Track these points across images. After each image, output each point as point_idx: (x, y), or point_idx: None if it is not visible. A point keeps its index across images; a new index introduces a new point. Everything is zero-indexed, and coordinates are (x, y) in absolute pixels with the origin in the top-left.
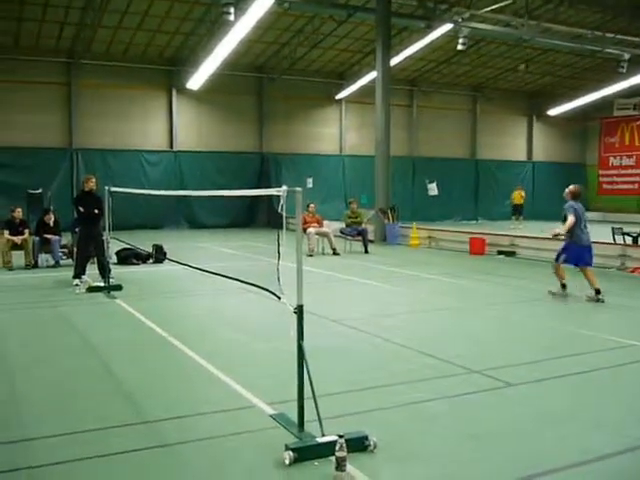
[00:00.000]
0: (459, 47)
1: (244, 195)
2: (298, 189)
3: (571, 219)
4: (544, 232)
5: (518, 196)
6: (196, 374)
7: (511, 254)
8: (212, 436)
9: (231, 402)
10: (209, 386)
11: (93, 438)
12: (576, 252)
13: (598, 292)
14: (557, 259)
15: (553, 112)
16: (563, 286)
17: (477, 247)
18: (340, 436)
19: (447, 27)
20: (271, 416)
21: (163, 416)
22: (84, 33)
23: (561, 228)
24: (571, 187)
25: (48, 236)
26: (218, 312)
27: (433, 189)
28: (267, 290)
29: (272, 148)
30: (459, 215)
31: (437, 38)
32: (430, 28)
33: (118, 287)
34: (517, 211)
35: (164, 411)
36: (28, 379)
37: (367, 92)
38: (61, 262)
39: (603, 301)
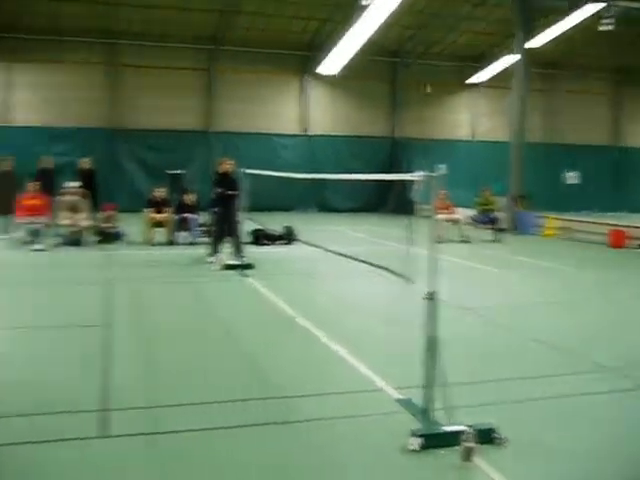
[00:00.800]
0: (603, 27)
1: (374, 180)
2: (436, 174)
3: None
4: None
5: None
6: (323, 354)
7: None
8: (337, 416)
9: (357, 384)
10: (336, 367)
11: (220, 410)
12: None
13: None
14: None
15: None
16: None
17: (616, 239)
18: (469, 426)
19: (595, 7)
20: (397, 401)
21: (289, 393)
22: (224, 20)
23: None
24: None
25: (187, 215)
26: (346, 294)
27: (572, 177)
28: (398, 274)
29: (404, 133)
30: (598, 205)
31: (581, 19)
32: (574, 8)
33: (250, 266)
34: None
35: (291, 388)
36: (168, 349)
37: (502, 76)
38: (198, 240)
39: None
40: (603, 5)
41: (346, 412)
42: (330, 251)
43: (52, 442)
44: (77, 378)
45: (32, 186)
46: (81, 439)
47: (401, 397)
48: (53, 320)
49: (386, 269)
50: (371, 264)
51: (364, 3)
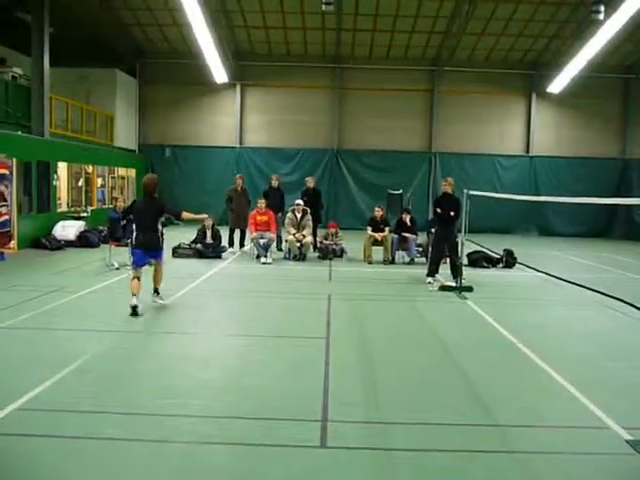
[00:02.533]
0: None
1: (601, 204)
2: None
3: None
4: None
5: None
6: (545, 384)
7: None
8: (561, 451)
9: (583, 419)
10: (559, 398)
11: (438, 432)
12: None
13: None
14: None
15: None
16: None
17: None
18: None
19: None
20: (628, 442)
21: (512, 422)
22: (449, 41)
23: None
24: None
25: (405, 234)
26: (571, 323)
27: None
28: (633, 305)
29: (637, 154)
30: None
31: None
32: None
33: (469, 288)
34: None
35: (513, 417)
36: (386, 366)
37: None
38: (416, 260)
39: None
40: None
41: (571, 448)
42: (553, 276)
43: (276, 447)
44: (299, 389)
45: (262, 203)
46: (303, 447)
47: (631, 438)
48: (279, 330)
49: (618, 299)
50: (601, 293)
51: (597, 17)
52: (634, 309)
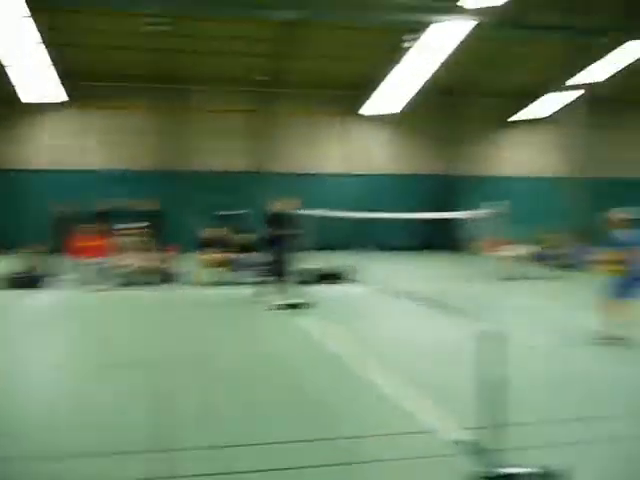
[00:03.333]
0: None
1: (429, 219)
2: (498, 211)
3: None
4: None
5: None
6: (375, 394)
7: None
8: (394, 458)
9: (415, 425)
10: (389, 407)
11: (273, 451)
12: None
13: None
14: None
15: None
16: None
17: None
18: (533, 469)
19: None
20: (456, 442)
21: (343, 434)
22: (275, 63)
23: None
24: None
25: (243, 255)
26: (405, 334)
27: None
28: (459, 313)
29: (460, 171)
30: None
31: None
32: None
33: (306, 305)
34: None
35: (344, 429)
36: (217, 389)
37: (560, 113)
38: (254, 279)
39: None
40: None
41: (404, 454)
42: (389, 290)
43: None
44: (126, 420)
45: (91, 227)
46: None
47: (459, 438)
48: (109, 359)
49: (447, 308)
50: (431, 303)
51: (406, 45)
52: (460, 317)
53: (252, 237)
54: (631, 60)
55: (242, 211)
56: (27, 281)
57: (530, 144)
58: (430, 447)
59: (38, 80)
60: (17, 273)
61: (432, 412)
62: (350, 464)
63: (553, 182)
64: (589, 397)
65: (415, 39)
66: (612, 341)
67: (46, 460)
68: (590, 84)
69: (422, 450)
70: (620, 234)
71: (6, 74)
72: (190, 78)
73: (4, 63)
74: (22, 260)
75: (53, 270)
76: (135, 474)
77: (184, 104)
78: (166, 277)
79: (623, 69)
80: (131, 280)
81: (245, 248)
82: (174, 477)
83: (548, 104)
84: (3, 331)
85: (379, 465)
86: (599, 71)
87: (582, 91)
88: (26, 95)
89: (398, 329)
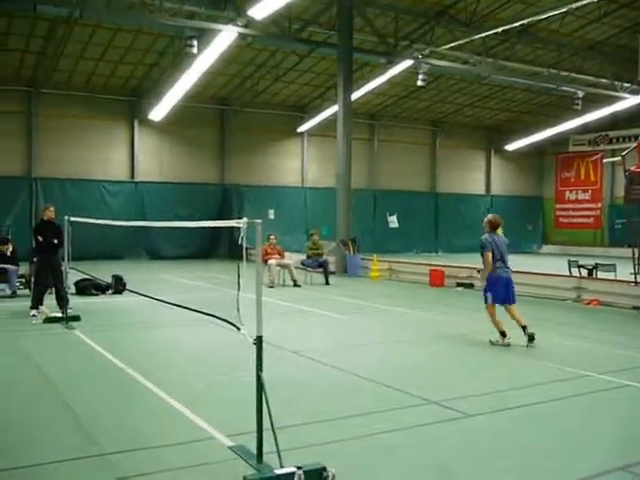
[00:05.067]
0: (419, 83)
1: (205, 227)
2: (258, 221)
3: (488, 255)
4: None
5: None
6: (155, 407)
7: (469, 286)
8: (169, 468)
9: (190, 434)
10: (168, 419)
11: (50, 471)
12: (497, 287)
13: (524, 329)
14: (485, 300)
15: (511, 147)
16: (502, 334)
17: (436, 279)
18: (298, 468)
19: (407, 63)
20: (230, 448)
21: (120, 448)
22: (45, 62)
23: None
24: (489, 216)
25: (5, 266)
26: (178, 344)
27: (393, 221)
28: (227, 321)
29: (234, 180)
30: (419, 247)
31: (398, 74)
32: (391, 64)
33: (76, 318)
34: None
35: (121, 444)
36: None
37: (329, 125)
38: (18, 292)
39: (533, 338)
40: (412, 62)
41: (179, 463)
42: (160, 300)
43: None
44: None
45: None
46: None
47: (234, 444)
48: None
49: (215, 316)
50: (201, 312)
51: (191, 51)
52: (230, 324)
53: (13, 246)
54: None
55: (5, 220)
56: None
57: (303, 155)
58: (206, 454)
59: None
60: None
61: (207, 419)
62: (128, 477)
63: (324, 192)
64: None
65: (193, 46)
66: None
67: None
68: (352, 100)
69: (197, 458)
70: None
71: None
72: None
73: None
74: None
75: None
76: None
77: None
78: None
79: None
80: None
81: (8, 259)
82: None
83: (319, 117)
84: None
85: (156, 476)
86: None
87: (342, 107)
88: None
89: (171, 338)
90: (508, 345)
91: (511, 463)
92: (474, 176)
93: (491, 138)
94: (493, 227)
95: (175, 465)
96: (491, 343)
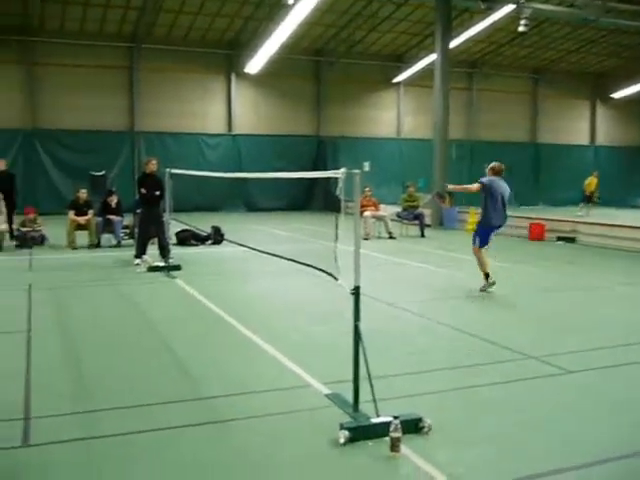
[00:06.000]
0: (521, 29)
1: (301, 178)
2: (357, 171)
3: (475, 186)
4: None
5: (592, 183)
6: (252, 353)
7: (571, 240)
8: (267, 414)
9: (287, 381)
10: (265, 365)
11: (150, 412)
12: (485, 233)
13: (487, 276)
14: (473, 242)
15: (618, 95)
16: (486, 276)
17: (536, 232)
18: (395, 417)
19: (509, 8)
20: (326, 396)
21: (218, 393)
22: (146, 17)
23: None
24: (493, 163)
25: (111, 217)
26: (275, 293)
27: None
28: (324, 271)
29: (329, 131)
30: (519, 200)
31: (498, 19)
32: (491, 9)
33: (177, 267)
34: (588, 198)
35: (219, 388)
36: (94, 353)
37: (425, 75)
38: (123, 242)
39: (493, 283)
40: (513, 7)
41: (276, 409)
42: (257, 250)
43: None
44: None
45: None
46: (3, 449)
47: (330, 392)
48: None
49: (313, 267)
50: (298, 262)
51: (286, 2)
52: (327, 274)
53: (118, 198)
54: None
55: (106, 172)
56: None
57: (398, 106)
58: (302, 401)
59: None
60: None
61: (305, 367)
62: (223, 422)
63: (421, 144)
64: (442, 349)
65: None
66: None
67: None
68: (450, 49)
69: (294, 404)
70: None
71: None
72: (49, 30)
73: None
74: None
75: None
76: None
77: (42, 58)
78: (31, 241)
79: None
80: None
81: (113, 210)
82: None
83: (416, 67)
84: None
85: (253, 421)
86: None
87: (441, 55)
88: None
89: (270, 288)
90: (493, 285)
91: (614, 420)
92: (577, 126)
93: (597, 86)
94: (495, 172)
95: (272, 410)
96: (481, 290)
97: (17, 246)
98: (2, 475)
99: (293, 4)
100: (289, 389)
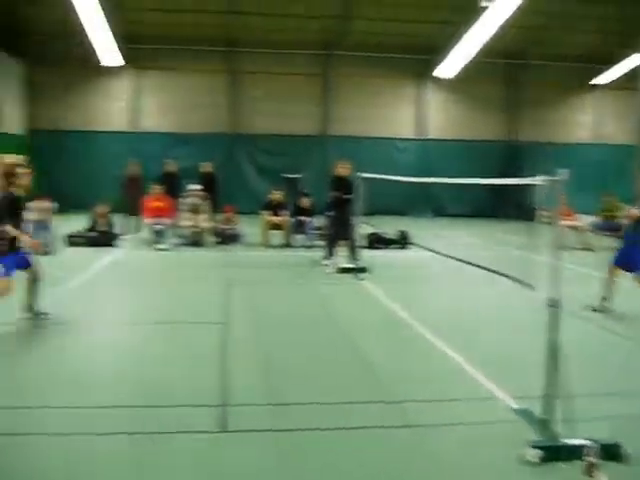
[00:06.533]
0: None
1: (491, 184)
2: (559, 179)
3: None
4: None
5: None
6: (438, 360)
7: None
8: (454, 423)
9: (474, 392)
10: (452, 373)
11: (337, 410)
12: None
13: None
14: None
15: None
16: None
17: None
18: (589, 440)
19: None
20: (515, 410)
21: (406, 398)
22: (341, 26)
23: None
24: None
25: (302, 218)
26: (463, 300)
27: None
28: (519, 281)
29: (524, 136)
30: None
31: None
32: None
33: (365, 269)
34: None
35: (407, 393)
36: (285, 348)
37: (629, 77)
38: (313, 243)
39: None
40: None
41: (462, 419)
42: (446, 256)
43: (174, 434)
44: (197, 374)
45: (157, 189)
46: (202, 432)
47: (518, 406)
48: (175, 317)
49: (505, 275)
50: (489, 270)
51: (483, 5)
52: (521, 284)
53: (311, 200)
54: None
55: (299, 175)
56: (101, 240)
57: (597, 109)
58: (490, 413)
59: (104, 44)
60: (98, 231)
61: (494, 379)
62: (414, 427)
63: (619, 149)
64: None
65: None
66: None
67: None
68: None
69: (480, 416)
70: None
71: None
72: (251, 41)
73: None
74: (93, 219)
75: (123, 229)
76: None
77: (244, 67)
78: (228, 238)
79: None
80: (194, 240)
81: (305, 211)
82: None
83: (618, 69)
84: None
85: (443, 429)
86: None
87: None
88: (99, 58)
89: (459, 295)
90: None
91: None
92: None
93: None
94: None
95: (458, 420)
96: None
97: (216, 243)
98: (202, 458)
99: (487, 7)
100: (476, 400)
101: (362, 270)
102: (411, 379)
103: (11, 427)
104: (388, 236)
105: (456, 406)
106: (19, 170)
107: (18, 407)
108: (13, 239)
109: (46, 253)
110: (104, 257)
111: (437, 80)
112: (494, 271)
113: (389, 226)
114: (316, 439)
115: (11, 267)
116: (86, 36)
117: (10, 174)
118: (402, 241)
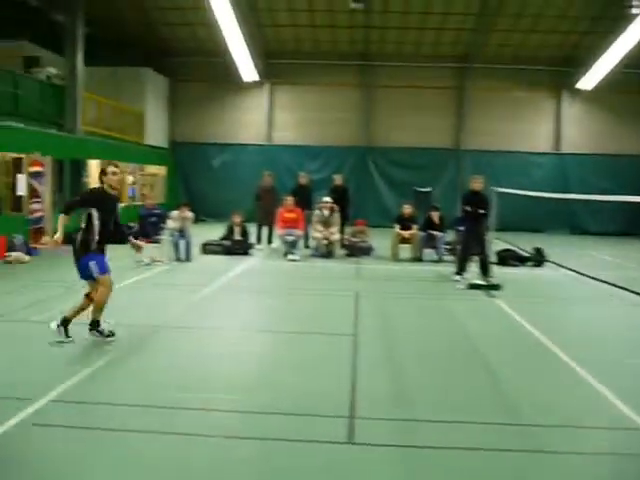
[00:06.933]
0: None
1: (633, 201)
2: None
3: None
4: None
5: None
6: (572, 383)
7: None
8: (584, 452)
9: (612, 420)
10: (586, 398)
11: (466, 430)
12: None
13: None
14: None
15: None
16: None
17: None
18: None
19: None
20: None
21: (537, 422)
22: (478, 38)
23: None
24: None
25: (433, 232)
26: (601, 322)
27: None
28: None
29: None
30: None
31: None
32: None
33: (497, 287)
34: None
35: (538, 417)
36: (414, 363)
37: None
38: (444, 258)
39: None
40: None
41: (596, 449)
42: (585, 275)
43: (302, 442)
44: (326, 384)
45: (290, 200)
46: (329, 442)
47: None
48: (306, 327)
49: None
50: (632, 291)
51: (630, 12)
52: None
53: (441, 214)
54: None
55: (430, 188)
56: (236, 248)
57: None
58: (629, 445)
59: (244, 60)
60: (233, 240)
61: (634, 407)
62: (547, 453)
63: None
64: None
65: (635, 6)
66: None
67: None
68: None
69: (616, 446)
70: None
71: (224, 55)
72: (386, 54)
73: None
74: (229, 228)
75: (257, 239)
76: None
77: (378, 81)
78: (359, 251)
79: None
80: (325, 252)
81: (436, 225)
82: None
83: None
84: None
85: (574, 457)
86: None
87: None
88: (240, 74)
89: (597, 317)
90: None
91: None
92: None
93: None
94: None
95: (591, 450)
96: None
97: (346, 255)
98: (327, 467)
99: (637, 14)
100: (614, 429)
101: (495, 287)
102: (540, 401)
103: (148, 425)
104: (522, 253)
105: (590, 434)
106: (110, 169)
107: (150, 406)
108: (104, 241)
109: (180, 260)
110: (238, 265)
111: (576, 92)
112: (634, 291)
113: (524, 242)
114: (446, 458)
115: (106, 266)
116: (228, 53)
117: (103, 172)
118: (538, 258)
